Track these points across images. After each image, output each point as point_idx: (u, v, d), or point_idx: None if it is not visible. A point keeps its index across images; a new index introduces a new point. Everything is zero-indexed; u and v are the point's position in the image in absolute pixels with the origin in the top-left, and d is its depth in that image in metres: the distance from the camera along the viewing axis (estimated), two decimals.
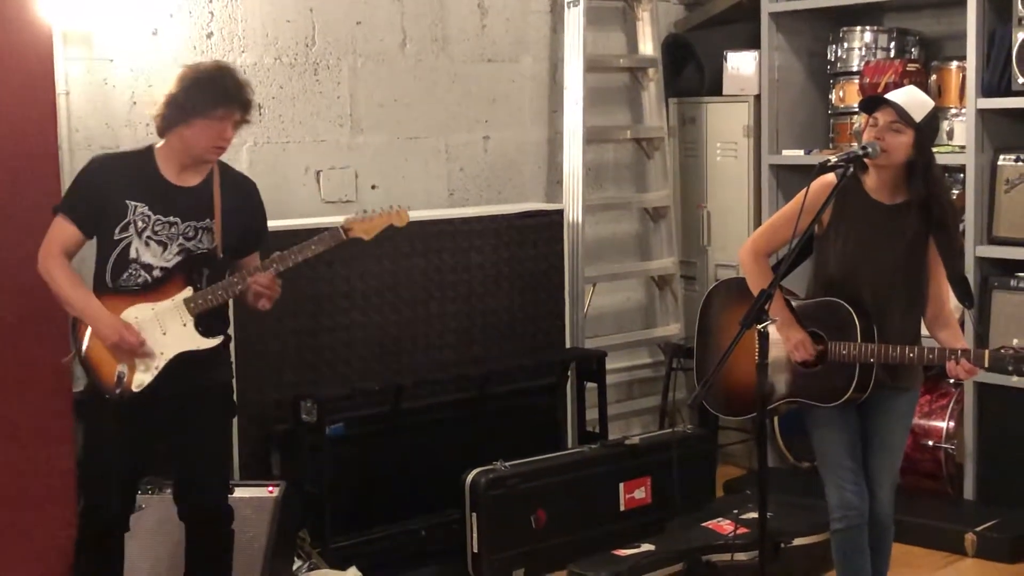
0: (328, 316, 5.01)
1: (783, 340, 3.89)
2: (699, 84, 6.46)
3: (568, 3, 5.92)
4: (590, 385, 5.65)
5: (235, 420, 4.72)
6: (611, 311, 6.34)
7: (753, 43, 6.17)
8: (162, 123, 3.78)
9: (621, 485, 5.18)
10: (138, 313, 3.75)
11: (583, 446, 5.35)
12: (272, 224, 4.66)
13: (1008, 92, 5.27)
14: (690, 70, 6.49)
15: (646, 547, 4.80)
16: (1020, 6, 5.17)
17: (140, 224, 3.75)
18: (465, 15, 5.78)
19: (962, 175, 5.45)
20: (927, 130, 3.82)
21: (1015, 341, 3.71)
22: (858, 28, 5.95)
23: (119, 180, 3.78)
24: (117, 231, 3.75)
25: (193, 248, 3.79)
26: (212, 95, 3.71)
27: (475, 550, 4.83)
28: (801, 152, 6.00)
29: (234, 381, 4.68)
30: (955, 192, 5.39)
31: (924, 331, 3.97)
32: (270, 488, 4.44)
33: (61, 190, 4.30)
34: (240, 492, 4.38)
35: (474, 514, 4.82)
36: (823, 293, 3.94)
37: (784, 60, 6.11)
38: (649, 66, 6.31)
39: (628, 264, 6.39)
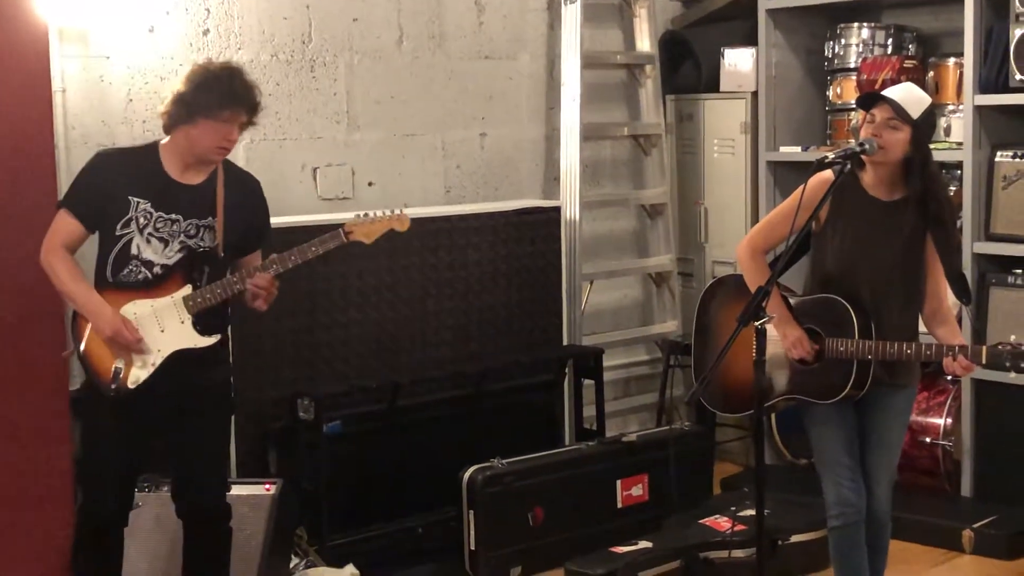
0: (325, 314, 5.00)
1: (780, 337, 3.89)
2: (696, 81, 6.46)
3: (565, 0, 5.92)
4: (587, 382, 5.65)
5: (232, 418, 4.75)
6: (608, 308, 6.34)
7: (750, 40, 6.16)
8: (168, 120, 3.78)
9: (618, 482, 5.18)
10: (137, 309, 3.75)
11: (580, 443, 5.35)
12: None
13: (1005, 88, 5.27)
14: (687, 67, 6.48)
15: (643, 544, 4.80)
16: (1017, 2, 5.16)
17: (142, 220, 3.75)
18: (462, 12, 5.77)
19: (959, 171, 5.44)
20: (924, 127, 3.82)
21: (1012, 337, 3.70)
22: (855, 24, 5.95)
23: (122, 176, 3.78)
24: (119, 227, 3.75)
25: (194, 246, 3.79)
26: (219, 96, 3.71)
27: (472, 547, 4.83)
28: (798, 149, 5.99)
29: (232, 379, 4.71)
30: (952, 188, 5.39)
31: (922, 328, 3.97)
32: (267, 486, 4.43)
33: (58, 188, 4.31)
34: (237, 490, 4.37)
35: (471, 511, 4.82)
36: (820, 290, 3.93)
37: (781, 57, 6.10)
38: (646, 63, 6.31)
39: (625, 261, 6.39)
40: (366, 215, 3.97)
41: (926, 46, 5.95)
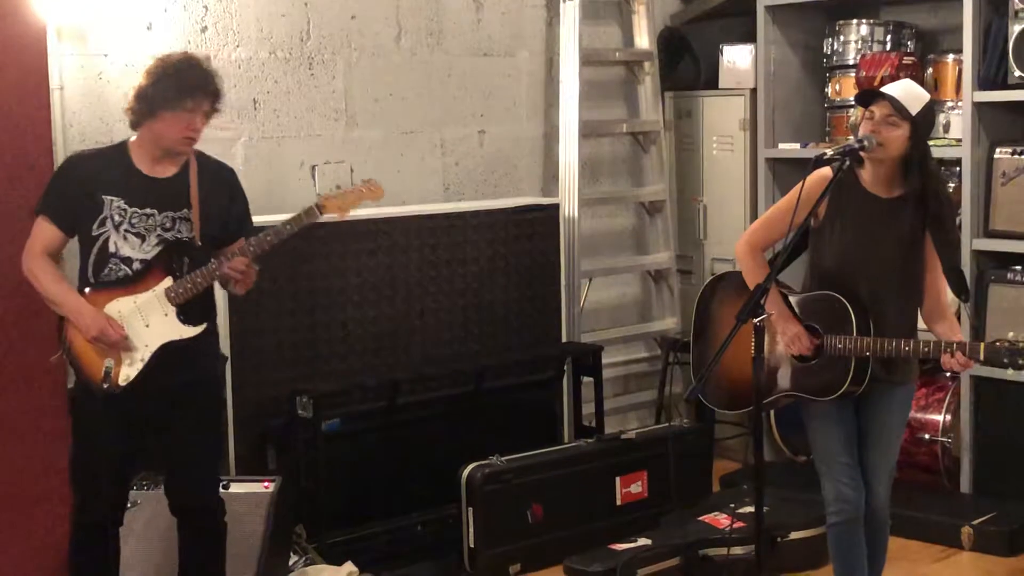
0: (324, 311, 5.00)
1: (779, 334, 3.89)
2: (695, 78, 6.46)
3: None
4: (586, 379, 5.65)
5: (231, 415, 4.75)
6: (607, 305, 6.34)
7: (749, 37, 6.16)
8: (133, 117, 3.79)
9: (617, 479, 5.18)
10: (120, 307, 3.74)
11: (579, 440, 5.34)
12: (267, 219, 4.66)
13: (1004, 85, 5.27)
14: (686, 64, 6.48)
15: (642, 541, 4.80)
16: None
17: (117, 218, 3.75)
18: (460, 9, 5.76)
19: (958, 168, 5.44)
20: (923, 123, 3.82)
21: (1011, 334, 3.70)
22: (854, 21, 5.95)
23: (94, 176, 3.78)
24: (95, 227, 3.75)
25: (172, 239, 3.78)
26: (179, 87, 3.71)
27: (471, 545, 4.83)
28: (797, 146, 5.99)
29: (228, 374, 4.71)
30: (951, 185, 5.39)
31: (921, 325, 3.97)
32: (266, 483, 4.43)
33: None
34: (236, 487, 4.38)
35: (470, 509, 4.82)
36: (819, 287, 3.93)
37: (780, 54, 6.10)
38: (645, 60, 6.31)
39: (624, 258, 6.39)
40: (338, 188, 3.98)
41: (925, 43, 5.95)
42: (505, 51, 5.94)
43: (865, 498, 3.94)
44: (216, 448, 4.07)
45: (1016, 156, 5.28)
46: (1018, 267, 5.29)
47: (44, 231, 3.79)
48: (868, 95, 3.87)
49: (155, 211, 3.77)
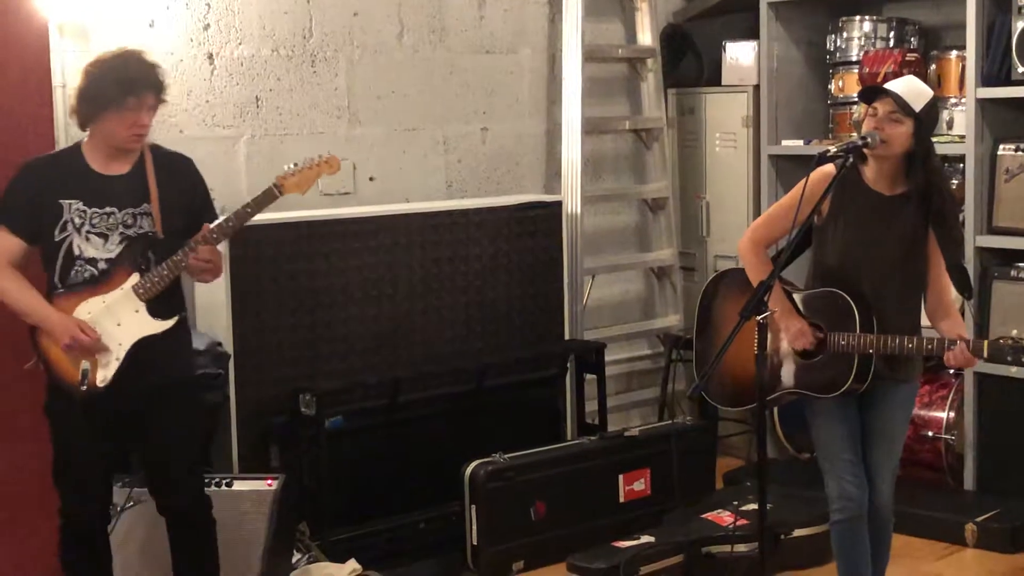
0: (326, 309, 5.00)
1: (783, 330, 3.89)
2: (698, 74, 6.45)
3: None
4: (589, 377, 5.64)
5: (234, 412, 4.75)
6: (610, 303, 6.33)
7: (752, 33, 6.15)
8: (78, 119, 3.76)
9: (620, 477, 5.17)
10: (90, 308, 3.73)
11: (582, 438, 5.34)
12: (270, 217, 4.69)
13: (1008, 81, 5.26)
14: (689, 60, 6.47)
15: (645, 539, 4.79)
16: None
17: (77, 220, 3.73)
18: (463, 6, 5.76)
19: (962, 165, 5.43)
20: (927, 120, 3.81)
21: (1014, 332, 3.70)
22: (857, 18, 5.94)
23: (50, 181, 3.76)
24: (57, 232, 3.73)
25: (134, 235, 3.76)
26: (119, 86, 3.67)
27: (474, 542, 4.83)
28: (800, 142, 5.98)
29: (231, 372, 4.70)
30: (955, 182, 5.38)
31: (924, 322, 3.96)
32: (269, 481, 4.43)
33: None
34: (239, 485, 4.38)
35: (473, 506, 4.82)
36: (822, 284, 3.92)
37: (783, 50, 6.09)
38: (648, 56, 6.30)
39: (627, 255, 6.38)
40: (295, 165, 3.96)
41: (928, 39, 5.94)
42: (507, 48, 5.93)
43: (869, 495, 3.94)
44: (196, 446, 4.03)
45: (1019, 153, 5.28)
46: (1022, 264, 5.28)
47: (6, 241, 3.75)
48: (871, 92, 3.86)
49: (115, 209, 3.75)
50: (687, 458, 5.26)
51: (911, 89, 3.80)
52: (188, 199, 3.88)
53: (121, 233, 3.76)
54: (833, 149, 3.76)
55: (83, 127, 3.79)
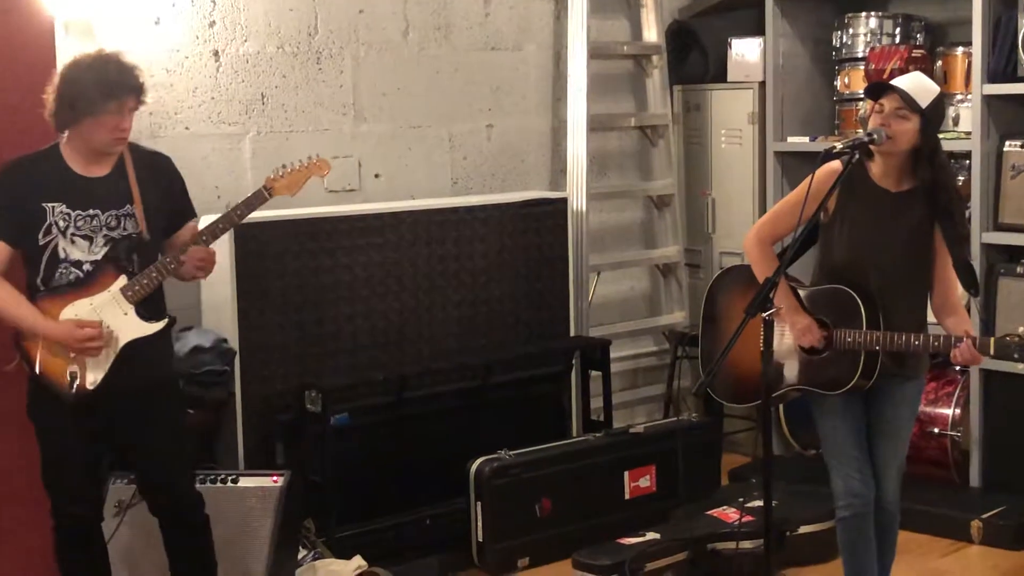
0: (332, 306, 5.00)
1: (789, 326, 3.88)
2: (703, 71, 6.44)
3: None
4: (595, 374, 5.64)
5: (239, 409, 4.76)
6: (615, 299, 6.33)
7: (758, 29, 6.15)
8: (56, 123, 3.71)
9: (626, 473, 5.17)
10: (77, 310, 3.69)
11: (588, 435, 5.34)
12: (275, 214, 4.70)
13: (1014, 78, 5.25)
14: (694, 57, 6.46)
15: (651, 535, 4.79)
16: None
17: (62, 223, 3.70)
18: (468, 3, 5.76)
19: (968, 161, 5.42)
20: (933, 116, 3.80)
21: (1021, 329, 3.69)
22: (863, 14, 5.93)
23: (31, 185, 3.71)
24: (41, 235, 3.70)
25: (118, 236, 3.74)
26: (99, 91, 3.62)
27: (480, 539, 4.83)
28: (806, 139, 5.98)
29: (237, 370, 4.70)
30: (961, 178, 5.37)
31: (932, 318, 3.96)
32: (275, 478, 4.43)
33: None
34: (245, 482, 4.38)
35: (479, 503, 4.82)
36: (828, 281, 3.92)
37: (789, 46, 6.09)
38: (653, 53, 6.29)
39: (632, 252, 6.38)
40: (284, 167, 3.95)
41: (934, 35, 5.93)
42: (513, 45, 5.93)
43: (875, 492, 3.93)
44: (184, 445, 4.00)
45: None
46: None
47: None
48: (878, 88, 3.86)
49: (98, 211, 3.72)
50: (692, 455, 5.25)
51: (917, 85, 3.80)
52: (169, 198, 3.87)
53: (105, 235, 3.73)
54: (839, 146, 3.75)
55: (61, 130, 3.73)
